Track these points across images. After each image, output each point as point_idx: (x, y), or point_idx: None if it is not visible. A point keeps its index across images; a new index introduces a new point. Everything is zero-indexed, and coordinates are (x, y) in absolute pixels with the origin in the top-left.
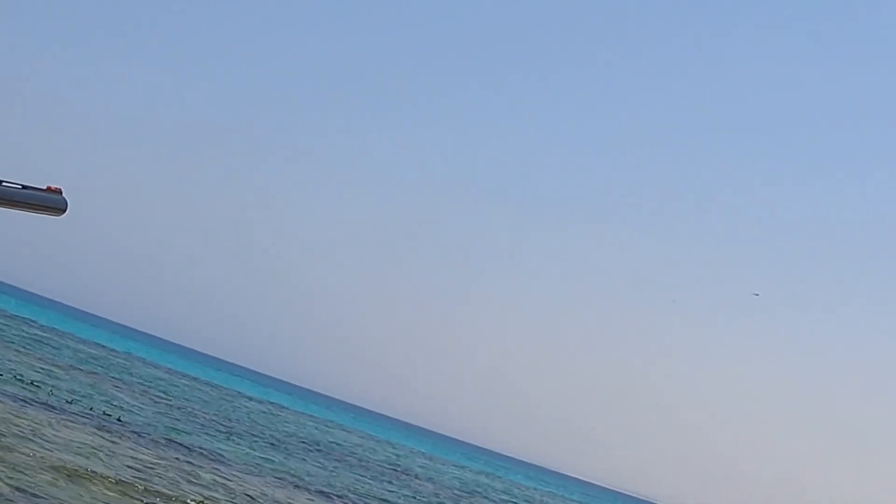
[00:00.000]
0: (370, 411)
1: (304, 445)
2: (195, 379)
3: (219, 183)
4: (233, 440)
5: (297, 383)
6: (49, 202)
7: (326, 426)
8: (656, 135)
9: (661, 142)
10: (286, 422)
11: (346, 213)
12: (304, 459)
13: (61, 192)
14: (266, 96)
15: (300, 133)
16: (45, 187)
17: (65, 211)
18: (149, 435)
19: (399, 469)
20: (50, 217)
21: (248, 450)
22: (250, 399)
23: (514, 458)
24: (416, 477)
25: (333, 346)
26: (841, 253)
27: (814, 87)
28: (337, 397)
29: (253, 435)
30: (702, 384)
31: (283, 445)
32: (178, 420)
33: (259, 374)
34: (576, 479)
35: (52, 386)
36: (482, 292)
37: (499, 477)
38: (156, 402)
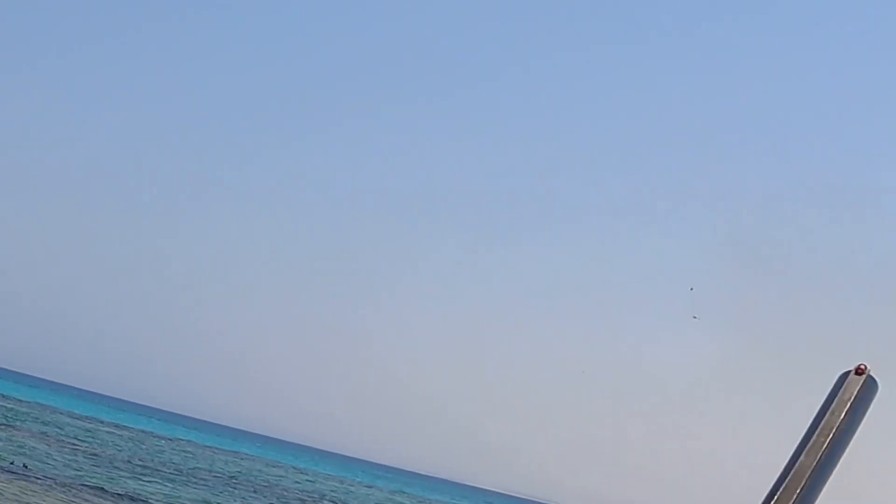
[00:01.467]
0: (275, 438)
1: (218, 478)
2: (101, 422)
3: (103, 222)
4: (150, 479)
5: (201, 417)
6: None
7: (235, 457)
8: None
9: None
10: (196, 457)
11: (237, 244)
12: (221, 492)
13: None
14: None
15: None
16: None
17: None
18: (65, 482)
19: (313, 495)
20: None
21: (164, 487)
22: (160, 438)
23: (423, 475)
24: (333, 502)
25: (231, 378)
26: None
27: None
28: (240, 427)
29: (167, 472)
30: (594, 386)
31: (197, 480)
32: (93, 465)
33: (164, 411)
34: (486, 490)
35: None
36: (384, 308)
37: (409, 494)
38: (71, 449)
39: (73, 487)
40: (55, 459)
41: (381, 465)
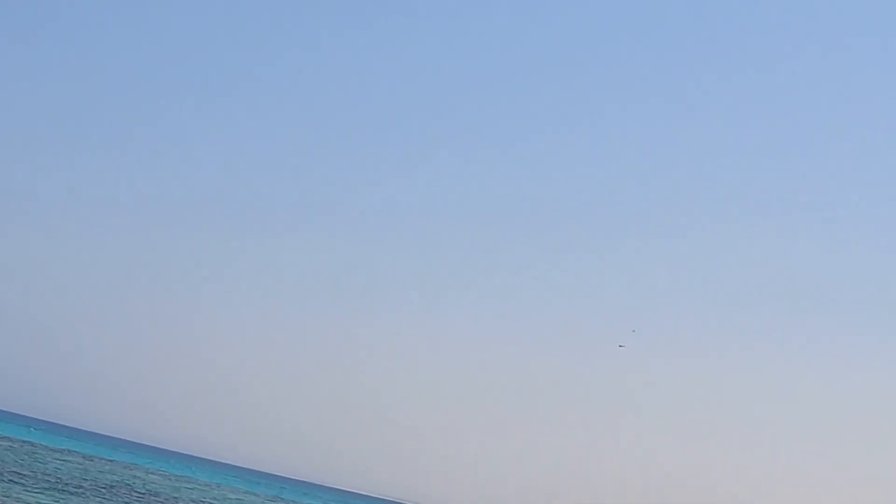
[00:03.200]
0: (142, 444)
1: (96, 488)
2: None
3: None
4: (26, 488)
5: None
6: None
7: (114, 466)
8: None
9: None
10: (78, 467)
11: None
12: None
13: None
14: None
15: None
16: None
17: None
18: None
19: (174, 500)
20: None
21: (47, 498)
22: (45, 448)
23: (303, 481)
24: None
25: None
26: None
27: None
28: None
29: (48, 482)
30: (445, 384)
31: (76, 490)
32: None
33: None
34: (363, 495)
35: None
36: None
37: (287, 500)
38: None
39: None
40: None
41: (251, 470)
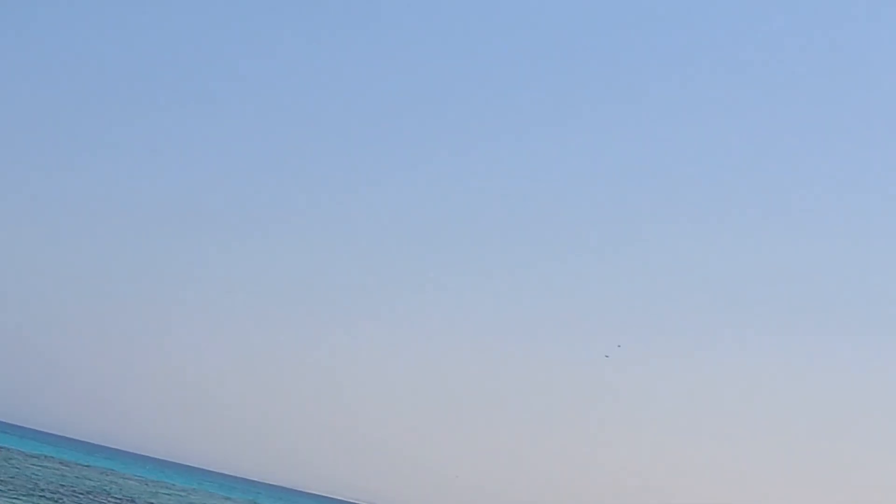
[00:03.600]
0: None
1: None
2: None
3: None
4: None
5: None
6: None
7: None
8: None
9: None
10: (55, 472)
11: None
12: None
13: None
14: None
15: None
16: None
17: None
18: None
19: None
20: None
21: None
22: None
23: (279, 486)
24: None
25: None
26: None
27: None
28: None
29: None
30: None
31: (53, 495)
32: None
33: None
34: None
35: None
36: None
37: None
38: None
39: None
40: None
41: (228, 475)
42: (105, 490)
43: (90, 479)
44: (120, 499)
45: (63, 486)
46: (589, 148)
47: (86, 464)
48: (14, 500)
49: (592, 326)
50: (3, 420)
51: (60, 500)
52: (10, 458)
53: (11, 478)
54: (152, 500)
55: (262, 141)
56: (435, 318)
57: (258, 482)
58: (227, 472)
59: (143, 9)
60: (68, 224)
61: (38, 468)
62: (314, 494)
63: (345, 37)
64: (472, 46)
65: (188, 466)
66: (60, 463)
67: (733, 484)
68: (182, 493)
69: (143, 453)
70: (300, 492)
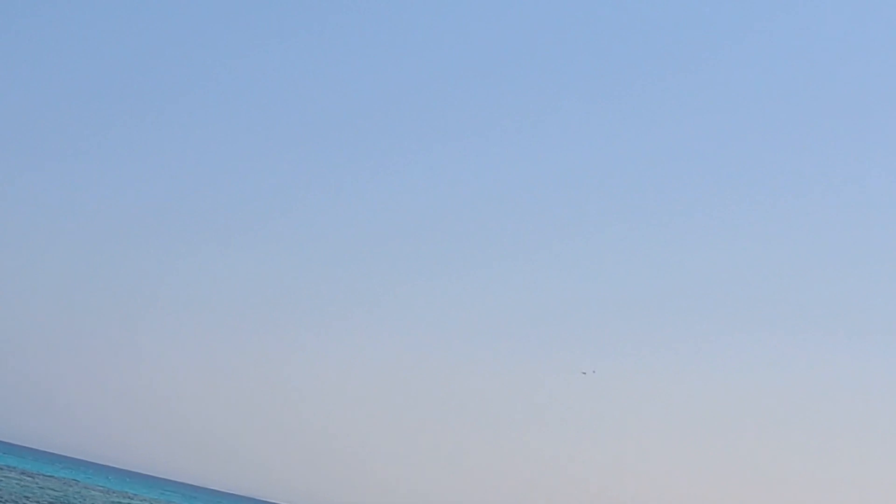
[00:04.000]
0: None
1: None
2: None
3: None
4: None
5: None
6: None
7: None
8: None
9: None
10: (17, 483)
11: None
12: None
13: None
14: None
15: None
16: None
17: None
18: None
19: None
20: None
21: None
22: None
23: (242, 496)
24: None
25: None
26: None
27: None
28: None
29: None
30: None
31: None
32: None
33: None
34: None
35: None
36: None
37: None
38: None
39: None
40: None
41: (190, 485)
42: (68, 501)
43: (53, 490)
44: None
45: (26, 497)
46: (583, 148)
47: (48, 474)
48: None
49: (582, 329)
50: None
51: None
52: None
53: None
54: None
55: (234, 145)
56: (413, 322)
57: (223, 492)
58: (191, 483)
59: (137, 8)
60: (29, 231)
61: (0, 479)
62: None
63: (332, 37)
64: (461, 46)
65: (152, 477)
66: (22, 473)
67: (731, 487)
68: (144, 503)
69: (106, 463)
70: (263, 501)
